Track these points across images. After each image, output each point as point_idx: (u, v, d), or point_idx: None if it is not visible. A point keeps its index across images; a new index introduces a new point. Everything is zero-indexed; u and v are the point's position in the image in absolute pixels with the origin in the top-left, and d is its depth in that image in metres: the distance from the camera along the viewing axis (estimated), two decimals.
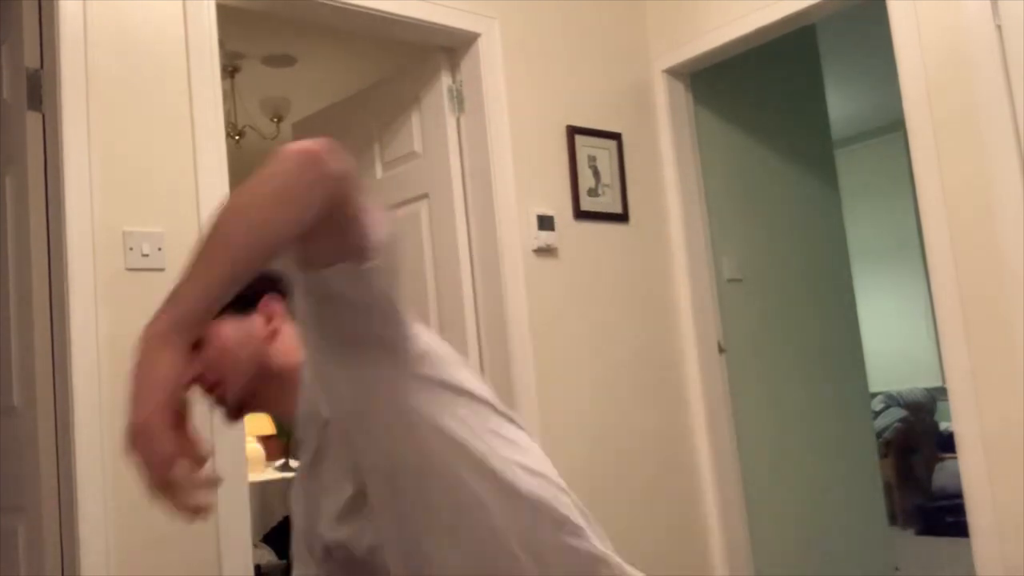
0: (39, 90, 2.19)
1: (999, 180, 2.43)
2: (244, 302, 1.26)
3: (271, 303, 1.31)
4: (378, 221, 1.09)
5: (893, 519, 4.98)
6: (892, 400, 6.01)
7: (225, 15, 2.45)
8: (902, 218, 6.02)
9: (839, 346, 3.85)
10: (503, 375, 2.81)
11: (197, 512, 0.96)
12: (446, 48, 3.00)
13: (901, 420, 5.84)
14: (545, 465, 1.25)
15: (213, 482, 1.01)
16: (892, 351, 6.09)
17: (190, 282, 1.00)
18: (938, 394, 5.87)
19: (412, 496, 1.16)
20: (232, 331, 1.28)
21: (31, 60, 2.21)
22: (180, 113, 2.31)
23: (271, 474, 4.18)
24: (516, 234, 2.89)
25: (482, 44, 2.94)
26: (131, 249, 2.17)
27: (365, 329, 1.12)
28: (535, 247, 2.93)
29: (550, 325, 2.92)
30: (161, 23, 2.31)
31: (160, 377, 0.99)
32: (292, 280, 1.13)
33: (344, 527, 1.22)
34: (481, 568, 1.16)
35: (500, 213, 2.87)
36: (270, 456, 4.59)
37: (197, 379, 1.25)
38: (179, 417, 1.02)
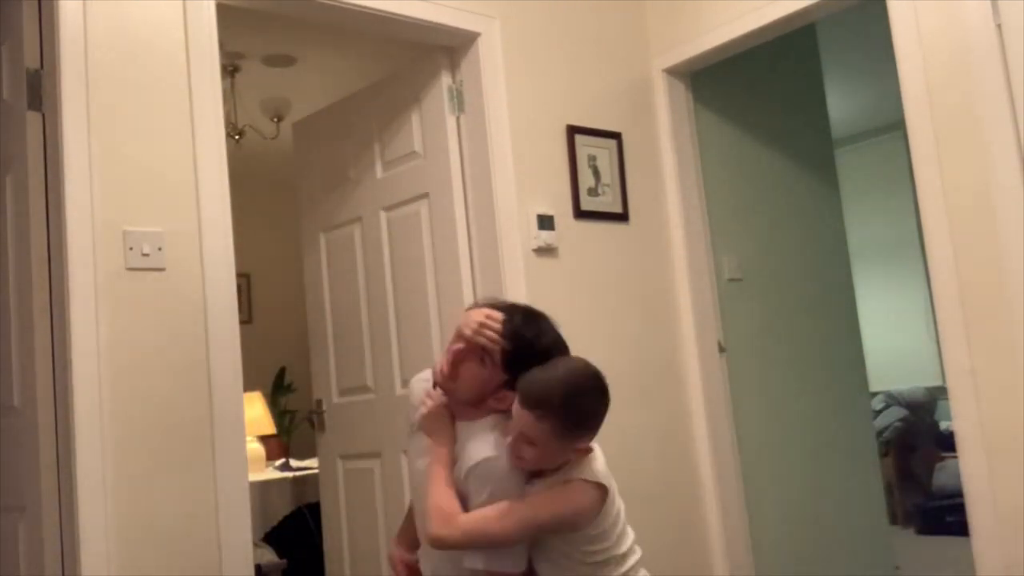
0: (39, 90, 2.19)
1: (999, 180, 2.43)
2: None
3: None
4: None
5: (893, 518, 4.98)
6: (892, 399, 6.00)
7: (225, 15, 2.45)
8: (902, 218, 6.01)
9: (839, 345, 3.85)
10: None
11: None
12: (446, 48, 3.00)
13: (901, 419, 5.84)
14: None
15: None
16: (892, 350, 6.09)
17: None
18: (938, 393, 5.87)
19: None
20: None
21: (31, 60, 2.21)
22: (180, 113, 2.31)
23: (271, 474, 4.17)
24: (516, 234, 2.89)
25: (482, 44, 2.94)
26: (131, 249, 2.17)
27: None
28: (535, 247, 2.93)
29: None
30: (161, 23, 2.31)
31: None
32: None
33: None
34: None
35: (500, 213, 2.87)
36: (270, 456, 4.58)
37: None
38: None
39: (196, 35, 2.35)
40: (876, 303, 6.07)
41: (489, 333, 1.74)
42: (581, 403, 1.69)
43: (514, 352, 1.74)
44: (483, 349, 1.74)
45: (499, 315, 1.77)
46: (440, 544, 1.69)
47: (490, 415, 1.78)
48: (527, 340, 1.75)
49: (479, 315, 1.77)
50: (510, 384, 1.73)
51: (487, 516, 1.66)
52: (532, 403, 1.66)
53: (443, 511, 1.68)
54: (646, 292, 3.21)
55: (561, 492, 1.69)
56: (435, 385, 1.84)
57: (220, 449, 2.24)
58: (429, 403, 1.80)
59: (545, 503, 1.68)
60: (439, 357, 1.84)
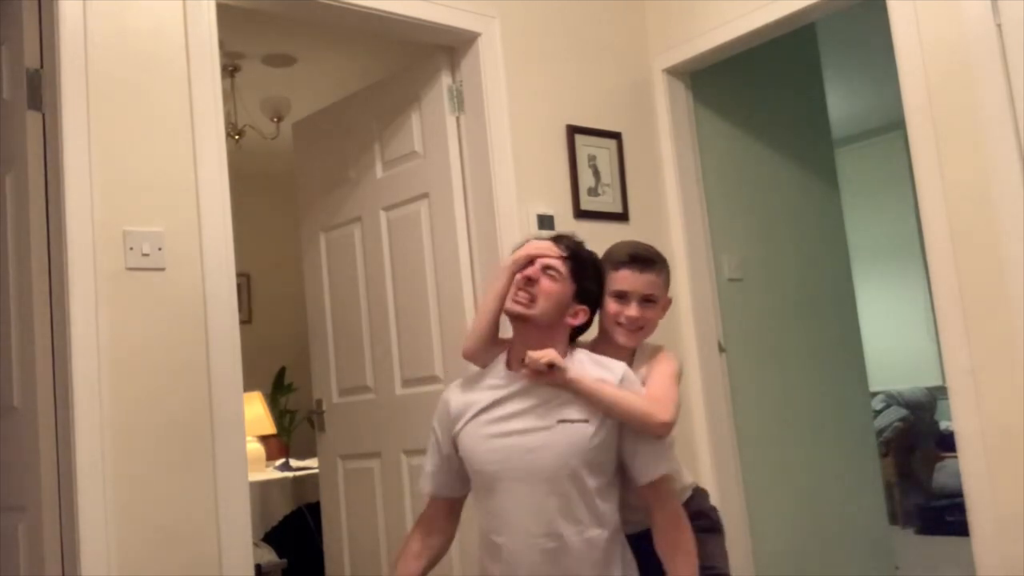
0: (39, 90, 2.19)
1: (999, 180, 2.43)
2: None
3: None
4: None
5: (893, 518, 4.98)
6: (892, 399, 6.00)
7: (225, 15, 2.45)
8: (902, 218, 6.01)
9: (839, 345, 3.85)
10: None
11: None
12: (446, 47, 3.00)
13: (901, 419, 5.84)
14: None
15: None
16: (892, 350, 6.09)
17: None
18: (938, 393, 5.87)
19: None
20: None
21: (31, 60, 2.21)
22: (180, 113, 2.31)
23: (271, 473, 4.17)
24: (516, 234, 2.88)
25: (482, 43, 2.94)
26: (131, 249, 2.17)
27: None
28: None
29: None
30: (161, 23, 2.31)
31: None
32: None
33: None
34: None
35: (500, 213, 2.87)
36: (270, 456, 4.59)
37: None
38: None
39: (196, 35, 2.35)
40: (876, 303, 6.07)
41: (553, 252, 1.97)
42: None
43: (576, 261, 1.97)
44: (549, 267, 1.93)
45: (546, 241, 2.01)
46: (671, 424, 1.84)
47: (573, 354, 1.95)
48: (582, 251, 2.02)
49: (532, 245, 2.00)
50: (578, 298, 1.95)
51: (665, 387, 1.91)
52: (650, 263, 2.03)
53: (651, 404, 1.85)
54: None
55: (665, 354, 2.02)
56: (515, 315, 1.93)
57: (220, 449, 2.24)
58: (554, 362, 1.85)
59: (664, 362, 1.99)
60: (512, 291, 1.94)
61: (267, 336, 5.32)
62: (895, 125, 5.84)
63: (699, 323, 3.25)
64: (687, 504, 2.00)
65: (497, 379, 1.93)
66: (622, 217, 3.18)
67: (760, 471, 3.34)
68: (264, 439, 4.61)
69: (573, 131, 3.09)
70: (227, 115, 3.96)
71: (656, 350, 2.04)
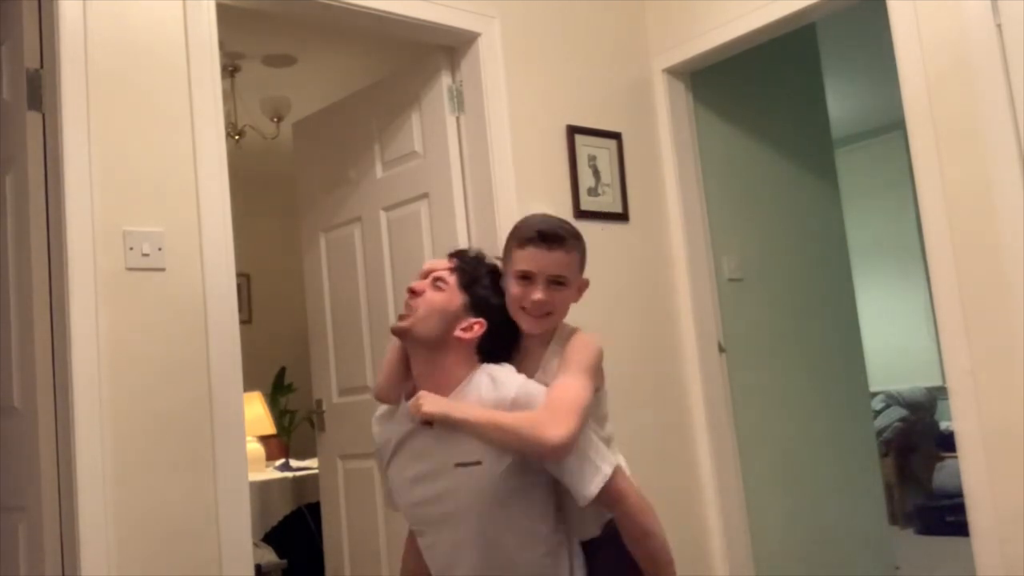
0: (39, 90, 2.19)
1: (999, 180, 2.43)
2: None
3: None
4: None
5: (893, 519, 4.98)
6: (892, 399, 6.00)
7: (225, 15, 2.46)
8: (902, 218, 6.02)
9: (839, 345, 3.85)
10: None
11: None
12: (446, 47, 3.00)
13: (901, 419, 5.84)
14: None
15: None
16: (892, 350, 6.09)
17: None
18: (938, 393, 5.87)
19: None
20: None
21: (31, 60, 2.21)
22: (180, 113, 2.31)
23: (271, 474, 4.17)
24: None
25: (482, 43, 2.94)
26: (131, 249, 2.17)
27: None
28: None
29: None
30: (161, 23, 2.31)
31: None
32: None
33: None
34: None
35: (500, 213, 2.87)
36: (270, 456, 4.59)
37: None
38: None
39: (196, 35, 2.35)
40: (876, 303, 6.07)
41: (443, 264, 1.78)
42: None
43: (464, 267, 1.77)
44: (436, 278, 1.74)
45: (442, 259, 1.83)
46: (566, 445, 1.57)
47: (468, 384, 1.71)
48: (472, 257, 1.81)
49: (427, 262, 1.83)
50: (471, 309, 1.72)
51: (566, 390, 1.63)
52: (558, 239, 1.76)
53: (536, 425, 1.58)
54: (646, 292, 3.21)
55: (576, 340, 1.74)
56: (395, 331, 1.74)
57: (220, 449, 2.24)
58: (429, 415, 1.66)
59: (577, 351, 1.71)
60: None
61: (267, 336, 5.32)
62: (895, 125, 5.84)
63: (699, 323, 3.25)
64: (612, 534, 1.70)
65: (403, 412, 1.75)
66: (622, 217, 3.18)
67: (760, 471, 3.34)
68: (264, 439, 4.61)
69: (573, 131, 3.09)
70: (227, 115, 3.96)
71: (570, 334, 1.77)
